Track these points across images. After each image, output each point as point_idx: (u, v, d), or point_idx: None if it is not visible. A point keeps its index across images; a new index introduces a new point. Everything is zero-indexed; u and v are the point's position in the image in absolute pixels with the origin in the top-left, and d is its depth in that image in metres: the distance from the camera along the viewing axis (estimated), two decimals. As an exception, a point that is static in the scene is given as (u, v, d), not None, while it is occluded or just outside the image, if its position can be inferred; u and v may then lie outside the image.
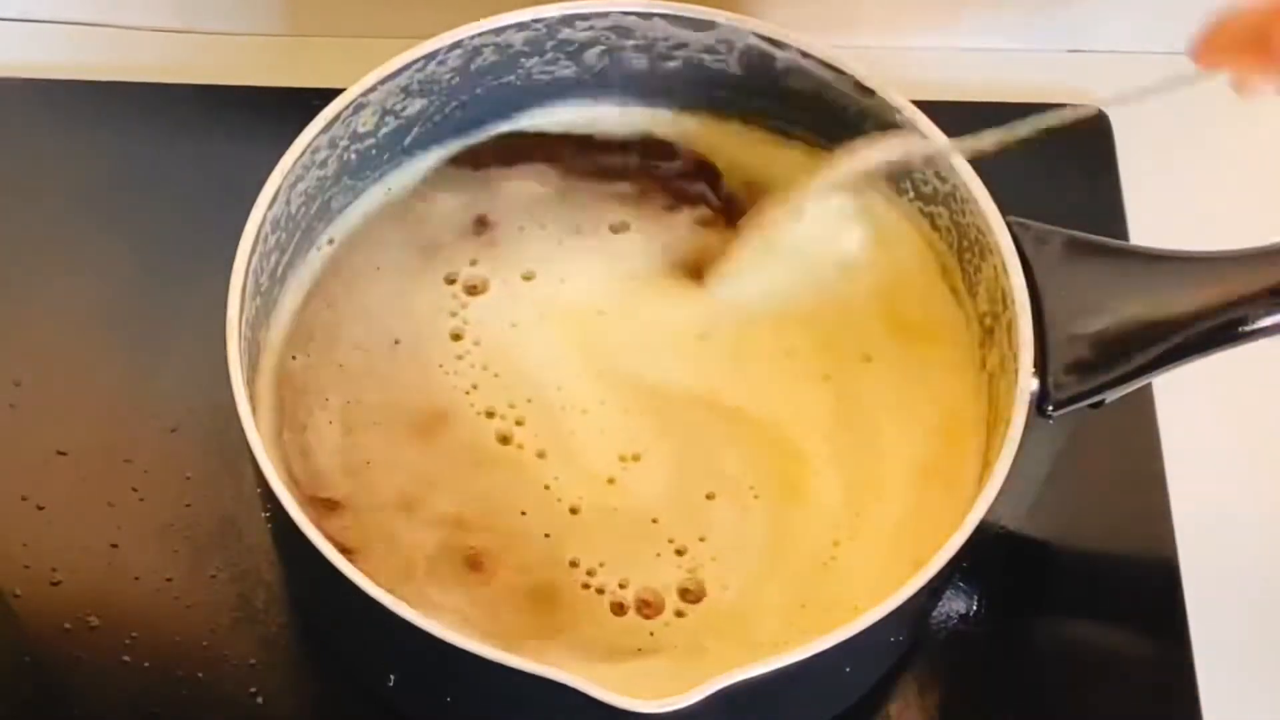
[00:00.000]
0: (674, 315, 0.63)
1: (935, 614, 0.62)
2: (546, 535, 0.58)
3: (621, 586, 0.57)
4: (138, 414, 0.65)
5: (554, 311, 0.63)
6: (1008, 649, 0.62)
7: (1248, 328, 0.55)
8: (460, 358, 0.62)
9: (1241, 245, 0.57)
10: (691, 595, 0.57)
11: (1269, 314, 0.55)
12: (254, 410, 0.54)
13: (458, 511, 0.58)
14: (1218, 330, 0.55)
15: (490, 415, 0.60)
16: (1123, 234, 0.71)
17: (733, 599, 0.57)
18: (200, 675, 0.60)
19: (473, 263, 0.64)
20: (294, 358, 0.61)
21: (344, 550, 0.53)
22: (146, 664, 0.60)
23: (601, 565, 0.57)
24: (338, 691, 0.60)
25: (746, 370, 0.62)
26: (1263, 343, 0.56)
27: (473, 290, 0.63)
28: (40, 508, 0.63)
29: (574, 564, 0.57)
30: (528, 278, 0.64)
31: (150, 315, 0.68)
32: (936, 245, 0.63)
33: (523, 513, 0.58)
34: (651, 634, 0.56)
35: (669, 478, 0.60)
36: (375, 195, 0.65)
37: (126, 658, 0.60)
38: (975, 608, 0.62)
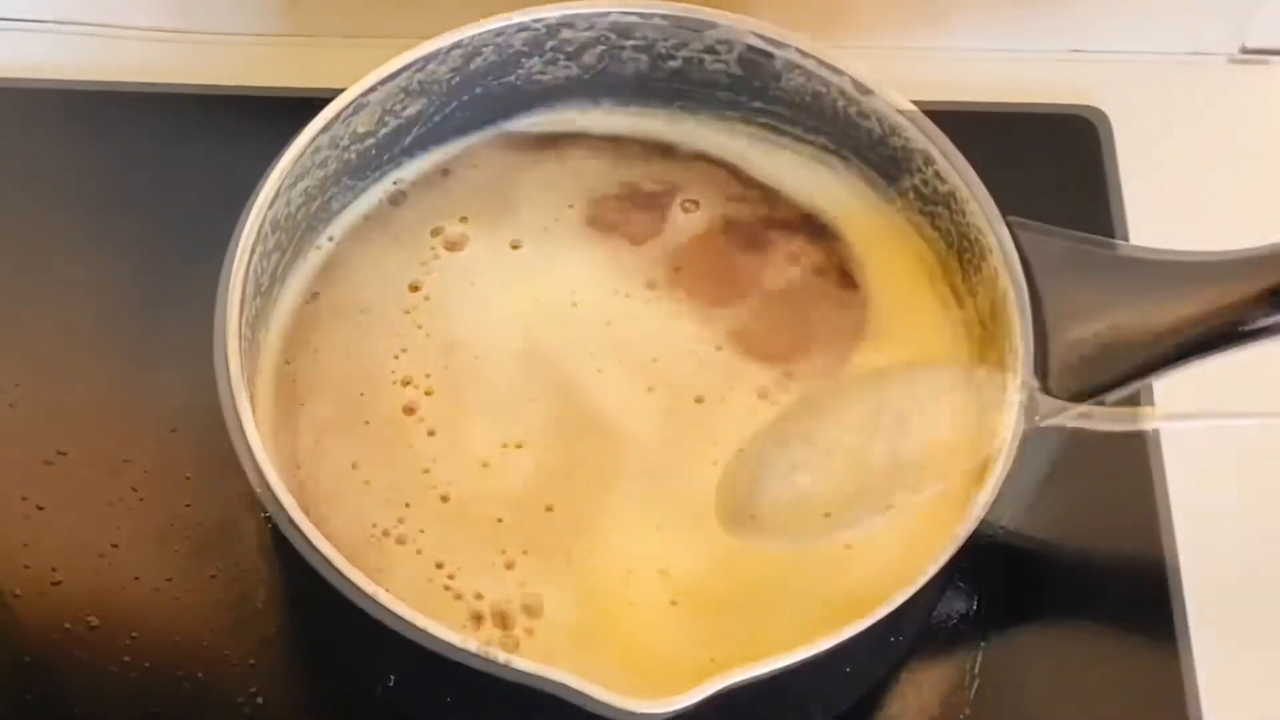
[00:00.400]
0: (651, 338, 0.61)
1: (935, 614, 0.62)
2: (422, 531, 0.57)
3: (477, 597, 0.56)
4: (137, 414, 0.65)
5: (521, 283, 0.62)
6: (1007, 649, 0.62)
7: (1247, 329, 0.55)
8: (407, 312, 0.61)
9: (1241, 246, 0.56)
10: (532, 611, 0.56)
11: (1268, 315, 0.54)
12: (253, 411, 0.54)
13: (371, 511, 0.57)
14: (1217, 332, 0.55)
15: (406, 383, 0.60)
16: (1122, 235, 0.71)
17: (569, 620, 0.56)
18: (200, 675, 0.60)
19: (462, 219, 0.64)
20: (288, 363, 0.61)
21: None
22: (146, 664, 0.60)
23: (460, 569, 0.56)
24: (338, 691, 0.60)
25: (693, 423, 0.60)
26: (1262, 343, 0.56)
27: (453, 246, 0.63)
28: (40, 508, 0.63)
29: (439, 566, 0.56)
30: (515, 246, 0.63)
31: (150, 316, 0.68)
32: (936, 245, 0.63)
33: (407, 504, 0.57)
34: (517, 646, 0.55)
35: (531, 478, 0.58)
36: (376, 192, 0.65)
37: (126, 658, 0.60)
38: (975, 608, 0.62)
